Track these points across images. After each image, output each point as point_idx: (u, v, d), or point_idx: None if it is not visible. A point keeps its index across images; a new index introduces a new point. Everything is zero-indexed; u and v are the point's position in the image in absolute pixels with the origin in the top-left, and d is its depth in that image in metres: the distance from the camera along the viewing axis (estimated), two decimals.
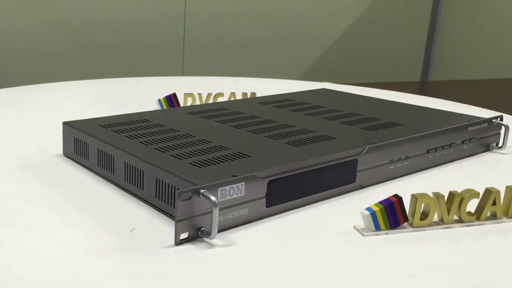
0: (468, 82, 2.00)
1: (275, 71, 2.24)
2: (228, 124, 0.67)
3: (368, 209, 0.48)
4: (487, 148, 0.73)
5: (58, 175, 0.60)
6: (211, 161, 0.52)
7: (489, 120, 0.73)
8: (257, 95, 0.95)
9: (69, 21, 2.03)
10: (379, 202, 0.48)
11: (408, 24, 2.43)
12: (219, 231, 0.46)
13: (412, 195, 0.49)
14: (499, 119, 0.74)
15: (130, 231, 0.47)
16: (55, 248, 0.44)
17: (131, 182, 0.55)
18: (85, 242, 0.45)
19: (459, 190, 0.50)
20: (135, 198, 0.54)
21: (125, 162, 0.55)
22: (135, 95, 1.06)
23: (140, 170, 0.53)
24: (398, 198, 0.48)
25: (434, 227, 0.49)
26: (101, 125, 0.65)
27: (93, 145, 0.60)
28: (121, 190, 0.56)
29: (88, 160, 0.62)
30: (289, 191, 0.52)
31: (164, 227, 0.48)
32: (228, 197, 0.47)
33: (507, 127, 0.73)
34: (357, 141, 0.60)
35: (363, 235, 0.47)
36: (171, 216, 0.50)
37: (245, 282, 0.40)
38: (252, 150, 0.56)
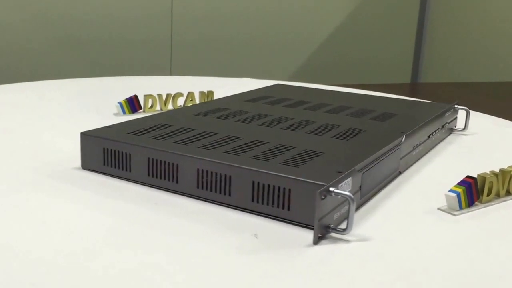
0: (459, 84, 2.01)
1: (264, 71, 2.17)
2: (253, 123, 0.67)
3: (452, 191, 0.53)
4: (451, 131, 0.84)
5: (107, 189, 0.55)
6: (296, 160, 0.53)
7: (452, 107, 0.83)
8: (215, 94, 0.95)
9: (52, 17, 1.83)
10: (459, 184, 0.54)
11: (397, 26, 2.42)
12: (338, 226, 0.48)
13: (479, 175, 0.55)
14: (456, 105, 0.84)
15: (256, 237, 0.46)
16: (193, 261, 0.41)
17: (210, 189, 0.53)
18: (217, 252, 0.43)
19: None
20: (211, 204, 0.53)
21: (198, 169, 0.53)
22: (93, 96, 0.98)
23: (225, 175, 0.51)
24: (473, 179, 0.54)
25: (495, 201, 0.56)
26: (129, 133, 0.61)
27: (140, 155, 0.56)
28: (190, 198, 0.54)
29: (130, 171, 0.57)
30: (372, 182, 0.55)
31: (282, 229, 0.48)
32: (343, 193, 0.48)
33: (468, 112, 0.83)
34: (384, 131, 0.65)
35: (454, 214, 0.52)
36: (276, 217, 0.50)
37: (403, 268, 0.42)
38: (316, 146, 0.58)
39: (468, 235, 0.48)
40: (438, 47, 2.43)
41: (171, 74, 2.04)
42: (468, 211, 0.54)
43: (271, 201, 0.50)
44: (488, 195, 0.56)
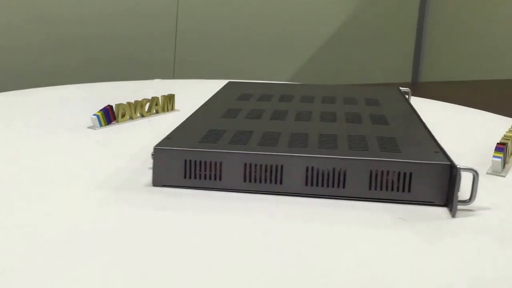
0: (459, 83, 1.98)
1: (267, 72, 2.02)
2: (287, 119, 0.70)
3: (496, 157, 0.64)
4: None
5: (212, 202, 0.55)
6: (387, 147, 0.58)
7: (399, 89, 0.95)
8: (176, 97, 0.94)
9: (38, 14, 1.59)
10: (497, 150, 0.65)
11: (397, 26, 2.32)
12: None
13: (503, 142, 0.67)
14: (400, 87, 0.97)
15: (403, 219, 0.51)
16: (386, 244, 0.45)
17: (322, 184, 0.55)
18: (396, 235, 0.48)
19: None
20: (317, 198, 0.55)
21: (307, 167, 0.55)
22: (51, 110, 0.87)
23: (340, 169, 0.55)
24: (504, 144, 0.66)
25: (509, 160, 0.69)
26: (200, 142, 0.59)
27: (233, 162, 0.56)
28: (292, 196, 0.56)
29: (220, 180, 0.57)
30: None
31: (405, 209, 0.53)
32: None
33: (409, 92, 0.96)
34: (397, 114, 0.74)
35: (502, 176, 0.63)
36: (394, 201, 0.55)
37: None
38: (377, 133, 0.64)
39: None
40: (439, 46, 2.41)
41: (174, 76, 1.86)
42: (507, 172, 0.65)
43: (390, 186, 0.55)
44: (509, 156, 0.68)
